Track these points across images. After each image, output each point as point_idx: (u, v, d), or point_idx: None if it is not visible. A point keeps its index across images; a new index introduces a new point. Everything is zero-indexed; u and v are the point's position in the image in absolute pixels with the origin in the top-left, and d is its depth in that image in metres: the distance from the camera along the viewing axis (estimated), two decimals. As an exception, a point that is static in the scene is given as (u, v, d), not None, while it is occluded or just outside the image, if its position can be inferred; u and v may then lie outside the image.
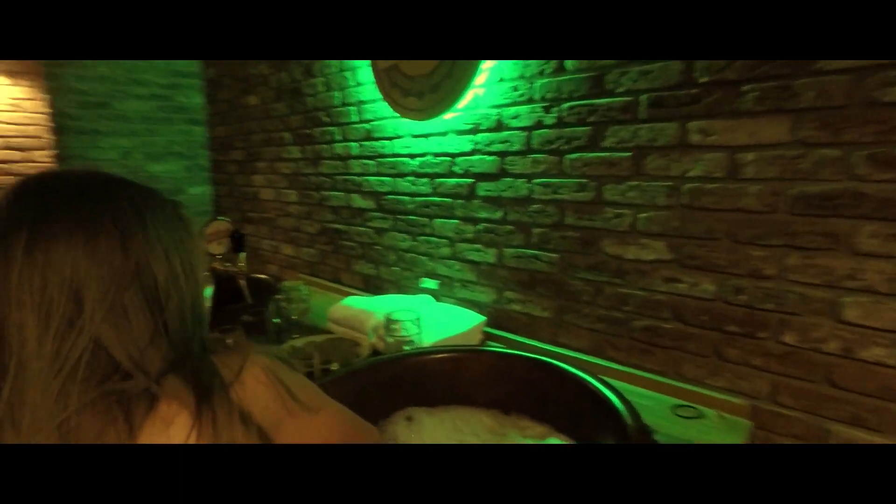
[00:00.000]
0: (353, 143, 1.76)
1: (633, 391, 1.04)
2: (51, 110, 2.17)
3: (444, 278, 1.52)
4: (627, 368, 1.11)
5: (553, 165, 1.20)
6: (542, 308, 1.28)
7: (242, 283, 0.91)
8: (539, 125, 1.22)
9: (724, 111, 0.93)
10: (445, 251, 1.51)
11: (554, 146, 1.19)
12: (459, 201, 1.44)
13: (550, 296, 1.26)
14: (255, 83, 2.21)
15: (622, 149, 1.08)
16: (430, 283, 1.55)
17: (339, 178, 1.84)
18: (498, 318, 1.38)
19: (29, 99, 2.61)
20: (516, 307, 1.34)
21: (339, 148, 1.82)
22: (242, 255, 0.91)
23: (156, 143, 2.44)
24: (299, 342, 1.27)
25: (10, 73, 2.13)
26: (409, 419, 0.93)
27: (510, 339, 1.32)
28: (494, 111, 1.31)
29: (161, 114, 2.42)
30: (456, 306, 1.42)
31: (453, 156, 1.43)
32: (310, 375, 1.05)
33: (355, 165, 1.76)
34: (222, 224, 0.86)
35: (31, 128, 2.41)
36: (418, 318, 1.13)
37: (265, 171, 2.24)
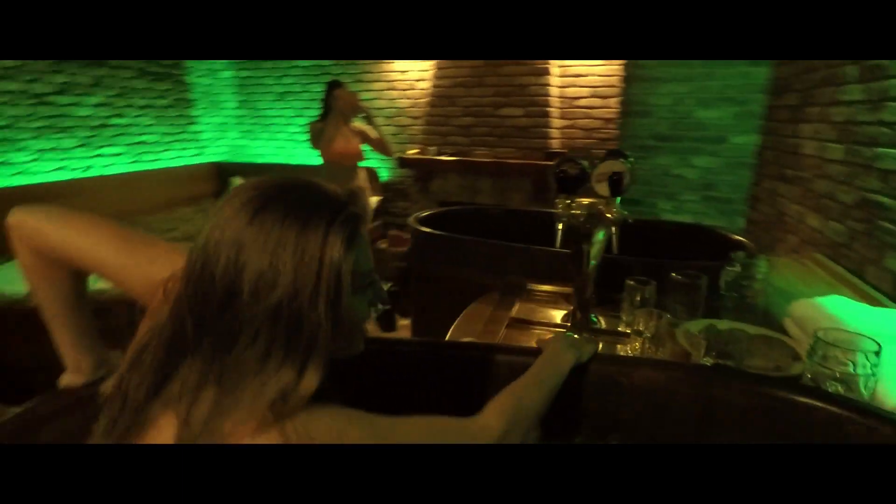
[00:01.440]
0: (938, 74, 1.14)
1: None
2: (625, 62, 2.48)
3: None
4: None
5: None
6: None
7: (613, 231, 0.81)
8: None
9: None
10: None
11: None
12: None
13: None
14: None
15: None
16: None
17: (904, 128, 1.26)
18: None
19: (623, 53, 3.05)
20: None
21: (915, 82, 1.23)
22: (616, 200, 0.81)
23: (710, 87, 2.37)
24: (723, 325, 1.05)
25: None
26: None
27: None
28: None
29: (721, 55, 2.31)
30: None
31: None
32: (685, 359, 0.87)
33: (933, 109, 1.15)
34: (615, 164, 0.79)
35: (611, 78, 2.84)
36: (878, 351, 0.70)
37: (814, 118, 1.78)
